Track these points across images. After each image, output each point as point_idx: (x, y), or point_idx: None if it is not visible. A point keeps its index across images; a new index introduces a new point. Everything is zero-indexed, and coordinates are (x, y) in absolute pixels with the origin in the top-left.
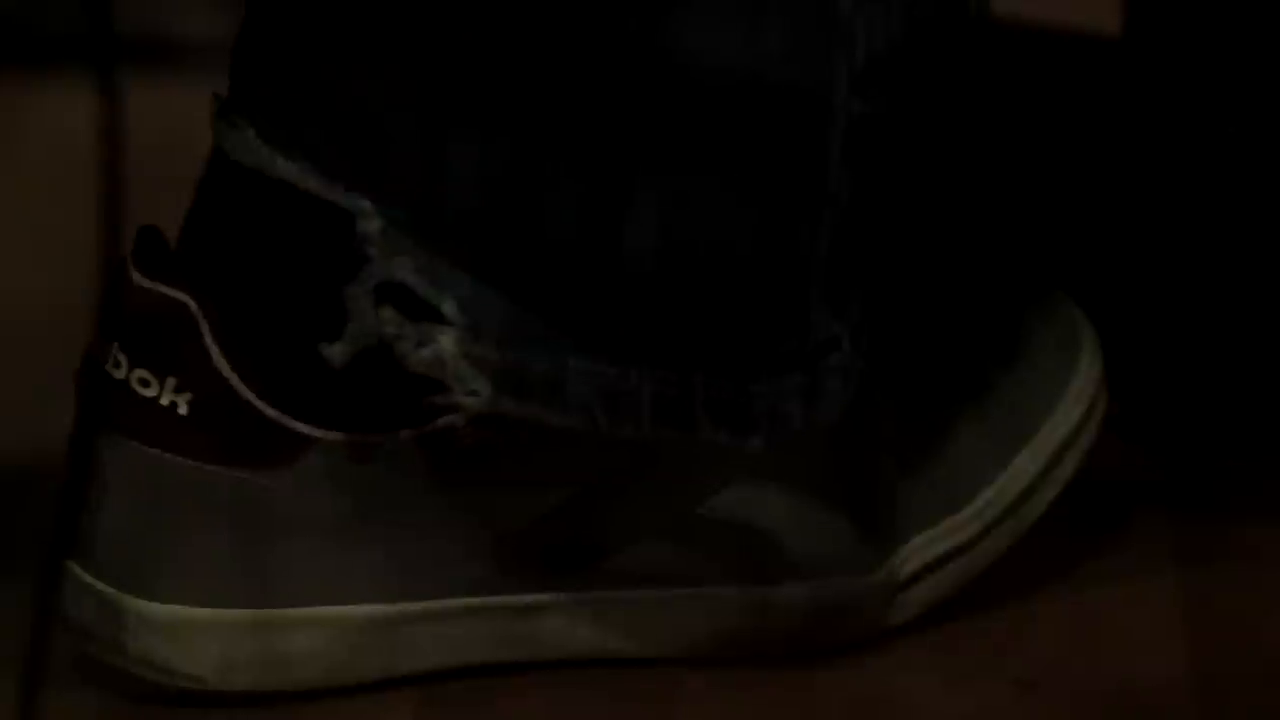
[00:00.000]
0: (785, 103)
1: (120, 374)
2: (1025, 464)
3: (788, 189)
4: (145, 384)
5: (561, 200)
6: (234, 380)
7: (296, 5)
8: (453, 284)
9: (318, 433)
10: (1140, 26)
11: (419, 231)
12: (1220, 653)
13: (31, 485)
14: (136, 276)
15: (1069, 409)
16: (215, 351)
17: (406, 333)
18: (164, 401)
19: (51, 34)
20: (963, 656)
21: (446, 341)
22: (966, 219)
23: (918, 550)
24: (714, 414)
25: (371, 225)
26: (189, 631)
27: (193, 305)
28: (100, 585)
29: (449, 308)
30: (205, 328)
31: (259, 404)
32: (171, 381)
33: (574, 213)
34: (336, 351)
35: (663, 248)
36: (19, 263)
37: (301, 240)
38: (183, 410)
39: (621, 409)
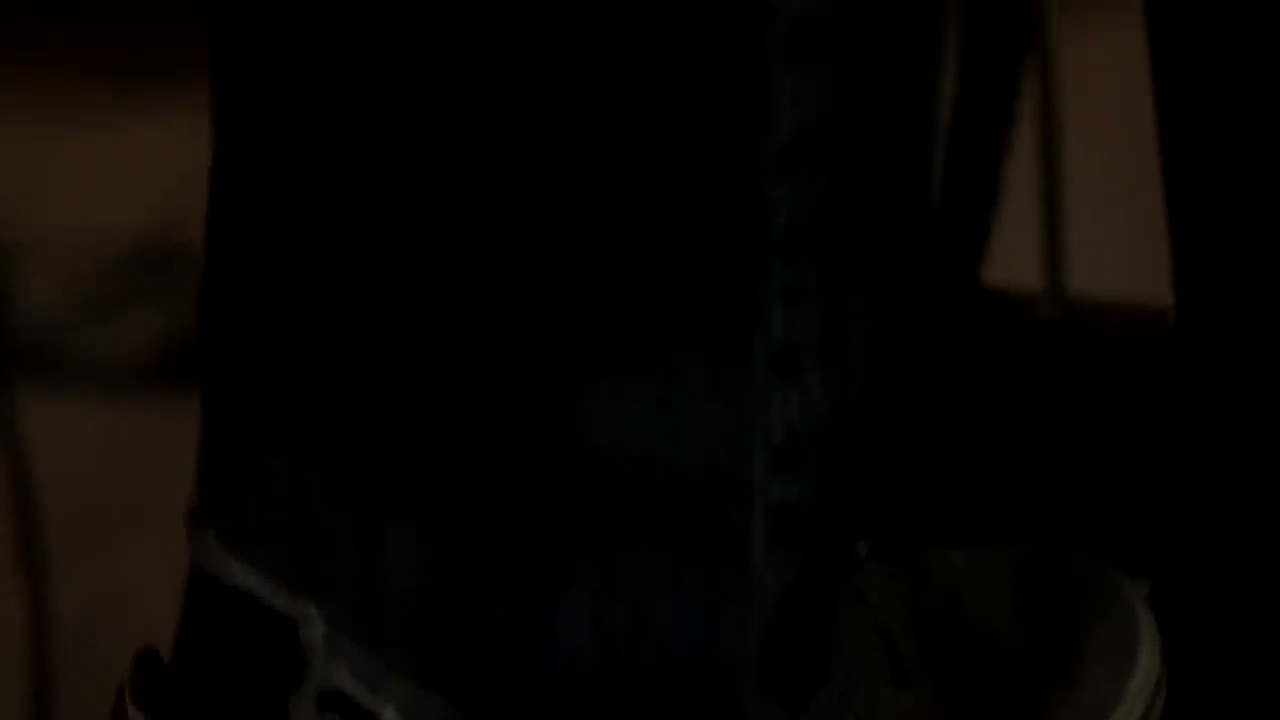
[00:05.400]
0: (703, 489)
1: None
2: None
3: (711, 578)
4: None
5: (496, 598)
6: None
7: (239, 406)
8: (391, 689)
9: None
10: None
11: (359, 634)
12: None
13: None
14: (132, 712)
15: None
16: None
17: None
18: None
19: None
20: None
21: None
22: (1005, 515)
23: None
24: None
25: (314, 631)
26: None
27: None
28: None
29: (389, 715)
30: None
31: None
32: None
33: (509, 609)
34: None
35: (597, 643)
36: None
37: (264, 652)
38: None
39: None
